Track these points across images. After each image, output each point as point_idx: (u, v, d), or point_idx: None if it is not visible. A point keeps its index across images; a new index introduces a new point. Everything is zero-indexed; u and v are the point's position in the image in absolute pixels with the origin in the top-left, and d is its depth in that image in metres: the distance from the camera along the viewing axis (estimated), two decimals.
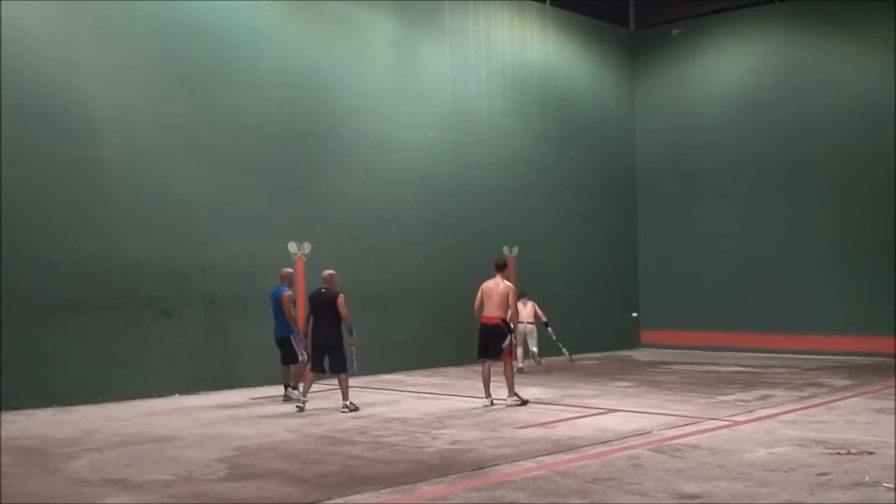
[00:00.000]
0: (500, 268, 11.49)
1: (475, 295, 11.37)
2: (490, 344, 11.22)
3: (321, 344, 10.95)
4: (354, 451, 8.28)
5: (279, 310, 12.04)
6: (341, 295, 11.01)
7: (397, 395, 12.51)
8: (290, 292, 12.20)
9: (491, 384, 11.36)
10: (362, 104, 15.63)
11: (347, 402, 10.92)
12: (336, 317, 10.95)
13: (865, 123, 17.82)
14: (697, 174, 20.09)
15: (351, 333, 11.17)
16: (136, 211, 12.63)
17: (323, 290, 11.11)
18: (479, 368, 11.58)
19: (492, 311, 11.20)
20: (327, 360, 10.95)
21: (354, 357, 11.39)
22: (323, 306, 11.01)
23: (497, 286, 11.27)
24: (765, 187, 19.14)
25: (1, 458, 8.13)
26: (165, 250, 12.83)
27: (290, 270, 12.63)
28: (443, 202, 16.85)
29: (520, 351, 15.00)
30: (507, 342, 11.18)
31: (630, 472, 7.19)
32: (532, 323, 15.47)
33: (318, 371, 11.10)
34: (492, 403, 11.13)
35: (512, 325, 11.35)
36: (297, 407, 11.01)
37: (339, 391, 11.06)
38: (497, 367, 11.49)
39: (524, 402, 11.17)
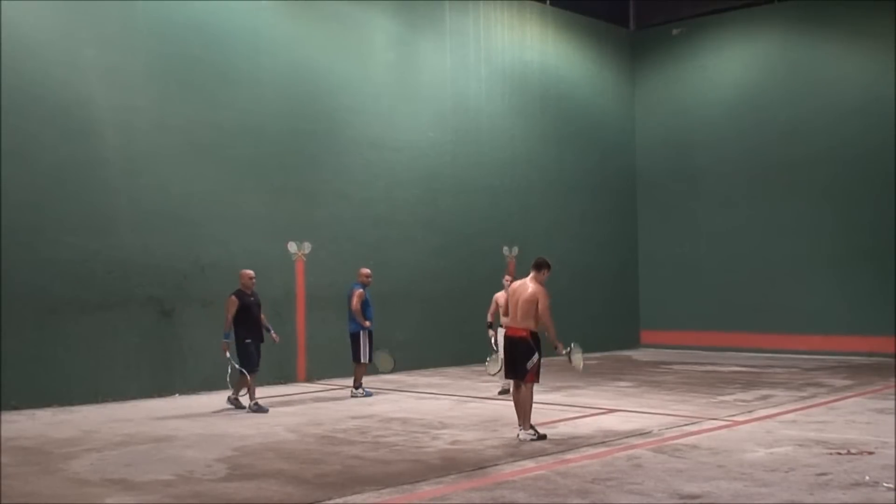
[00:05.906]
0: (536, 267, 9.11)
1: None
2: (515, 362, 8.94)
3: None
4: (354, 451, 8.29)
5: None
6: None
7: (397, 395, 12.51)
8: (362, 290, 12.48)
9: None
10: (362, 104, 15.62)
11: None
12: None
13: (865, 123, 17.83)
14: (697, 174, 20.09)
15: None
16: (136, 211, 12.62)
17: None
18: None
19: (517, 321, 8.92)
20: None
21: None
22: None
23: (523, 289, 8.94)
24: (765, 187, 19.14)
25: (1, 458, 8.13)
26: (165, 250, 12.83)
27: (367, 270, 12.77)
28: (443, 202, 16.84)
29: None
30: (532, 362, 8.82)
31: (630, 472, 7.19)
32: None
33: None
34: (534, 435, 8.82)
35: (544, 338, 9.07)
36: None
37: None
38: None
39: (542, 437, 8.83)
